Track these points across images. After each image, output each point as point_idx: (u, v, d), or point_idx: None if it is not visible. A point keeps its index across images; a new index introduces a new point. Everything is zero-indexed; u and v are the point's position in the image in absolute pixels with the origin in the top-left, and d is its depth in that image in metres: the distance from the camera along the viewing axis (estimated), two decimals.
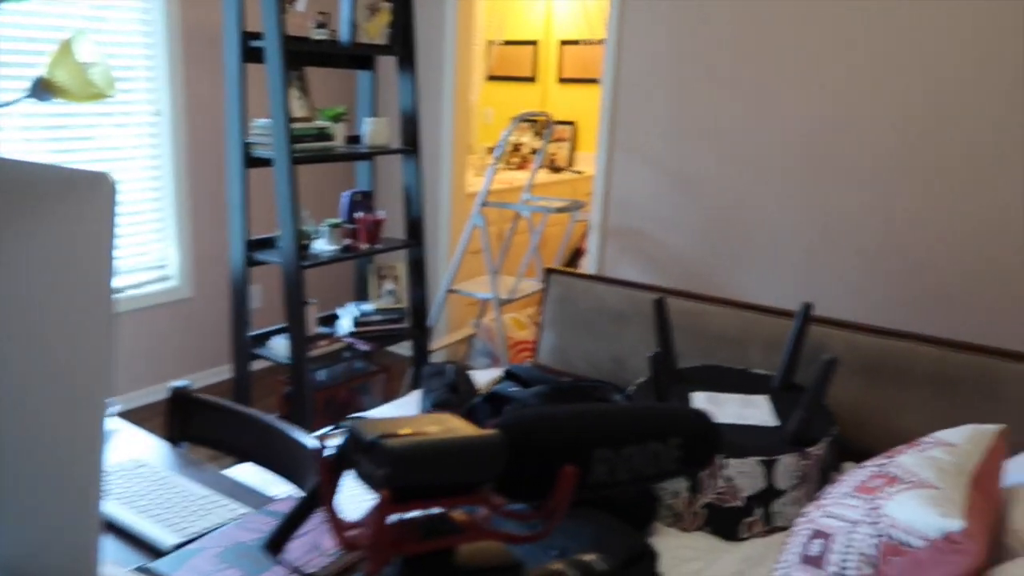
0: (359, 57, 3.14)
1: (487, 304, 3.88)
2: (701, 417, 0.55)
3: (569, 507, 1.64)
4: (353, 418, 2.15)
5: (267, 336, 3.04)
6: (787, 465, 1.75)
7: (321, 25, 2.71)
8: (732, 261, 3.10)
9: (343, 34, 2.78)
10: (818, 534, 1.38)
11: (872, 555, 1.27)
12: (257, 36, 2.66)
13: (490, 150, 5.10)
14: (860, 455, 2.11)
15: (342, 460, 0.52)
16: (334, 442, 1.72)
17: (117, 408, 3.35)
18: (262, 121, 2.73)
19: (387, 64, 3.99)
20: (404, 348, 4.25)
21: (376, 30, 2.82)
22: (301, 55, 2.88)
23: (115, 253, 0.58)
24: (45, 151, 2.93)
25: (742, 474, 1.75)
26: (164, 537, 1.08)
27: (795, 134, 2.89)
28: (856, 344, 2.16)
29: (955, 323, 2.66)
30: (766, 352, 2.30)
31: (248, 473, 1.87)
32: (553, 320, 2.76)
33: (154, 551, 1.06)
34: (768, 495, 1.76)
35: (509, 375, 2.05)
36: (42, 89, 1.31)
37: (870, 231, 2.78)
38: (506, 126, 3.36)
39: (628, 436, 0.51)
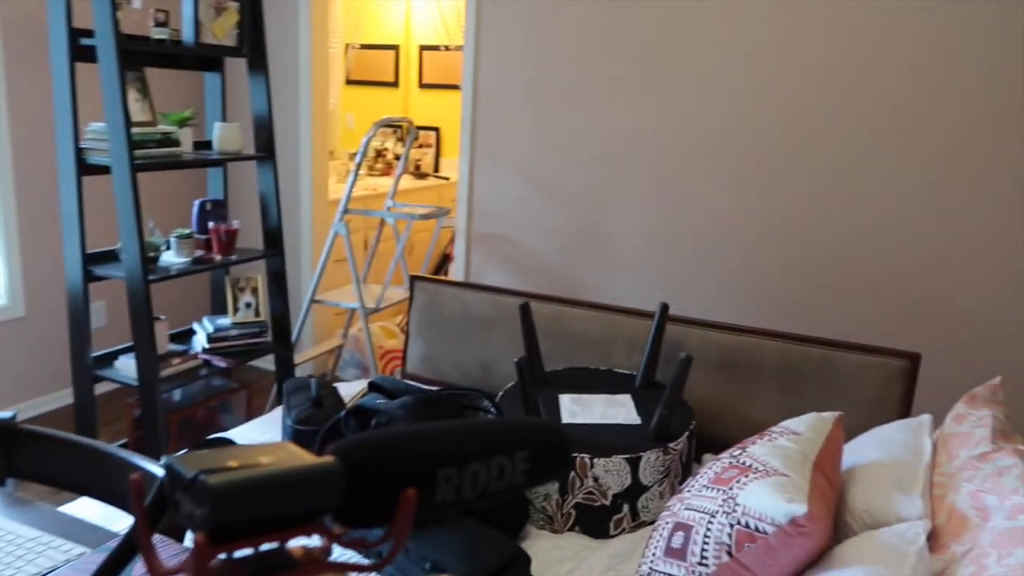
0: (206, 58, 2.98)
1: (354, 314, 3.78)
2: (549, 427, 0.54)
3: (427, 524, 1.61)
4: (188, 450, 2.03)
5: (113, 356, 2.83)
6: (651, 461, 1.80)
7: (161, 24, 2.54)
8: (598, 265, 3.18)
9: (186, 34, 2.63)
10: (679, 526, 1.43)
11: (728, 543, 1.32)
12: (89, 33, 2.47)
13: (352, 156, 4.99)
14: (718, 446, 2.21)
15: (161, 499, 0.47)
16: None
17: None
18: (96, 125, 2.53)
19: (238, 66, 3.81)
20: (268, 362, 4.08)
21: (223, 30, 2.68)
22: (139, 55, 2.69)
23: None
24: None
25: (608, 473, 1.79)
26: None
27: (657, 139, 2.99)
28: (710, 341, 2.26)
29: (808, 322, 2.85)
30: (628, 352, 2.37)
31: (88, 508, 1.71)
32: (420, 328, 2.73)
33: None
34: (634, 491, 1.80)
35: (373, 387, 1.99)
36: None
37: (730, 234, 2.92)
38: (368, 132, 3.29)
39: (472, 453, 0.49)
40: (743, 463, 1.45)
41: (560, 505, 1.81)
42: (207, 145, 3.01)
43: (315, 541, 1.48)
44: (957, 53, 2.47)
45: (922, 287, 2.63)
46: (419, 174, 5.27)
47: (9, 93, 3.07)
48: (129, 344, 2.81)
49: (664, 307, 2.16)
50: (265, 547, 0.46)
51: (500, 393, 2.17)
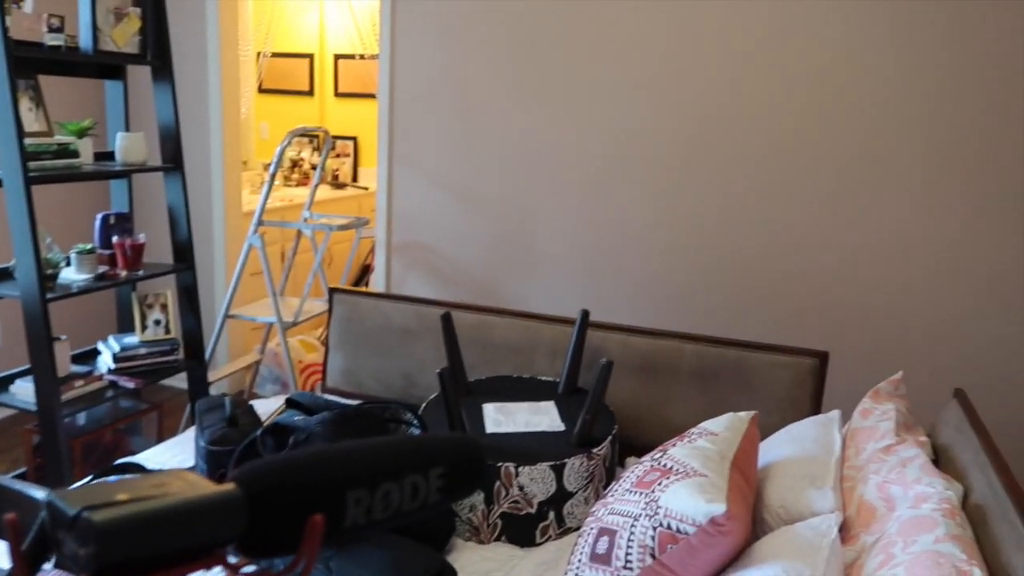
0: (107, 66, 2.85)
1: (272, 328, 3.68)
2: (464, 442, 0.53)
3: (345, 544, 1.57)
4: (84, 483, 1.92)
5: (8, 380, 2.66)
6: (575, 467, 1.81)
7: (56, 29, 2.41)
8: (519, 272, 3.19)
9: (83, 41, 2.50)
10: (604, 531, 1.43)
11: (651, 546, 1.33)
12: None
13: (267, 166, 4.87)
14: (641, 450, 2.24)
15: (42, 539, 0.43)
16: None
17: None
18: None
19: (143, 74, 3.67)
20: (181, 381, 3.92)
21: (123, 37, 2.57)
22: (32, 62, 2.55)
23: None
24: None
25: (533, 481, 1.78)
26: None
27: (573, 147, 3.02)
28: (630, 346, 2.29)
29: (723, 324, 2.92)
30: (551, 359, 2.38)
31: None
32: (340, 341, 2.67)
33: None
34: (559, 498, 1.80)
35: (291, 403, 1.94)
36: None
37: (645, 241, 2.98)
38: (283, 141, 3.21)
39: (384, 473, 0.47)
40: (664, 465, 1.47)
41: (486, 515, 1.80)
42: (110, 156, 2.87)
43: (216, 574, 1.41)
44: (858, 60, 2.59)
45: (830, 289, 2.74)
46: (337, 184, 5.18)
47: None
48: (26, 367, 2.65)
49: (584, 314, 2.18)
50: None
51: (423, 405, 2.14)
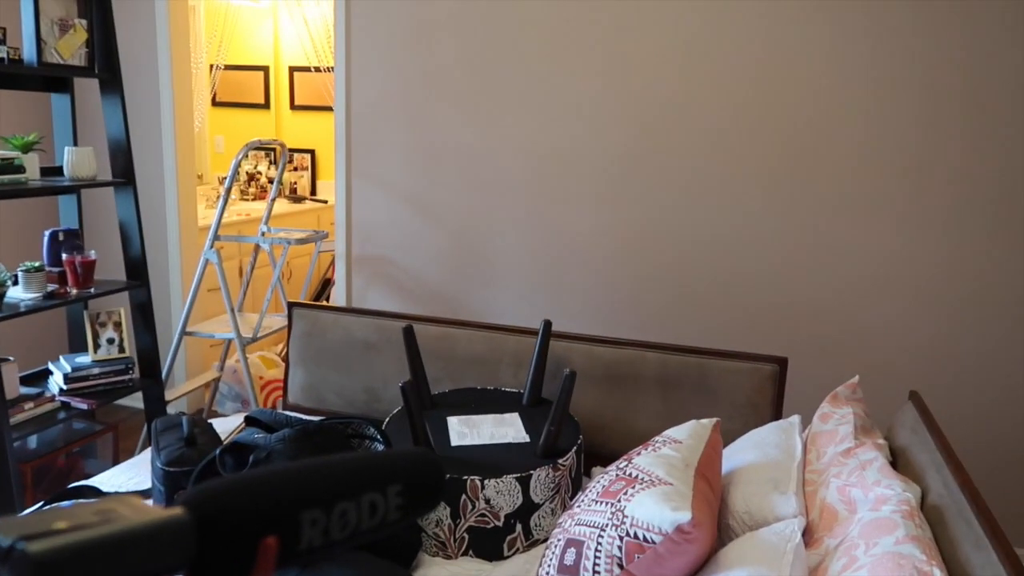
0: (53, 79, 2.78)
1: (232, 345, 3.61)
2: (423, 457, 0.52)
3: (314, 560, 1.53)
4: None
5: None
6: (541, 479, 1.80)
7: None
8: (481, 284, 3.17)
9: (27, 52, 2.44)
10: (571, 543, 1.42)
11: (619, 556, 1.33)
12: None
13: (223, 180, 4.79)
14: (606, 459, 2.24)
15: None
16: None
17: None
18: None
19: (91, 87, 3.58)
20: (138, 400, 3.82)
21: (69, 49, 2.51)
22: None
23: None
24: None
25: (500, 493, 1.77)
26: None
27: (527, 158, 3.03)
28: (593, 355, 2.29)
29: (681, 329, 2.94)
30: (514, 370, 2.37)
31: None
32: (300, 357, 2.63)
33: None
34: (526, 510, 1.79)
35: (250, 421, 1.89)
36: None
37: (602, 249, 2.99)
38: (238, 154, 3.16)
39: (339, 492, 0.45)
40: (629, 474, 1.46)
41: (453, 530, 1.77)
42: (58, 171, 2.80)
43: None
44: (794, 60, 2.64)
45: (783, 291, 2.78)
46: (295, 197, 5.12)
47: None
48: None
49: (547, 324, 2.18)
50: None
51: (387, 419, 2.11)
